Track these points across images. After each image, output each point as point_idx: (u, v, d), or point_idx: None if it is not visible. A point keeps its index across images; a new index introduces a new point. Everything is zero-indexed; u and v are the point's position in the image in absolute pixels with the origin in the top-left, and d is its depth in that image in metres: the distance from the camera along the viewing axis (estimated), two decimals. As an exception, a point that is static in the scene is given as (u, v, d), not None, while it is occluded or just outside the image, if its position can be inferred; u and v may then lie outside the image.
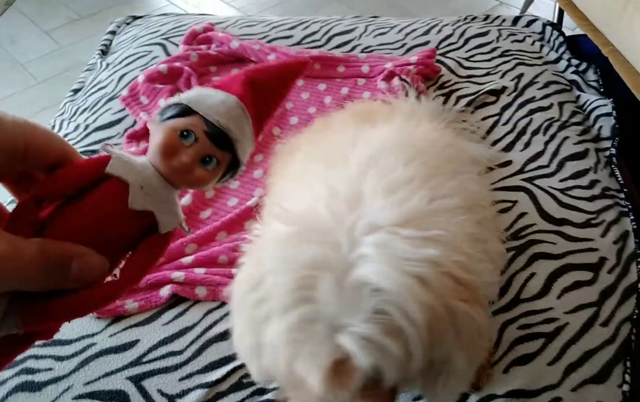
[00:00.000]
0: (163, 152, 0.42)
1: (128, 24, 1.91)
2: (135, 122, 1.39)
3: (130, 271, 0.42)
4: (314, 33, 1.68)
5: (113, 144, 1.33)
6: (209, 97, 0.45)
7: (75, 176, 0.40)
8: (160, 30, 1.74)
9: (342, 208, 0.57)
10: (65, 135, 1.40)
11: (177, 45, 1.64)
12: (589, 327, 0.94)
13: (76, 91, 1.61)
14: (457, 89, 1.44)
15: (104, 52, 1.78)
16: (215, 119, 0.43)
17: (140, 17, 1.94)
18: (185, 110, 0.43)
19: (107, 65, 1.65)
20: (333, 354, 0.51)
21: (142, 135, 1.33)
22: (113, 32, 1.87)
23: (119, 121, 1.41)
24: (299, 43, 1.65)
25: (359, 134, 0.75)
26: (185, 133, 0.42)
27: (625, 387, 0.87)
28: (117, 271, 0.42)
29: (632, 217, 1.12)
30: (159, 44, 1.67)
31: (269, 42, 1.63)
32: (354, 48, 1.62)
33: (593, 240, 1.07)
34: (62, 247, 0.37)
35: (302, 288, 0.52)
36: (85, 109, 1.47)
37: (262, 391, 0.91)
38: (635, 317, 0.96)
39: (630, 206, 1.14)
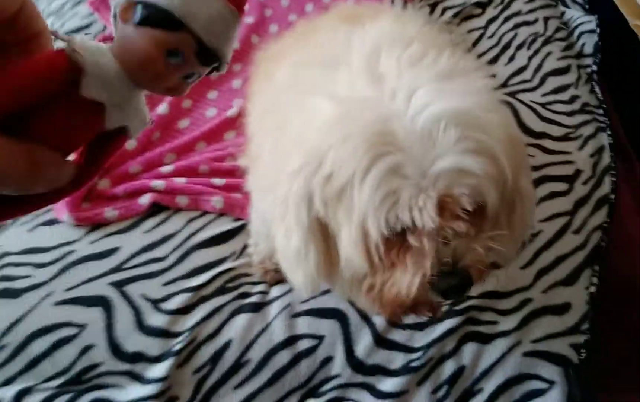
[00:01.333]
0: (144, 68, 0.37)
1: None
2: (104, 27, 1.33)
3: (92, 170, 0.40)
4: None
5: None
6: (204, 7, 0.38)
7: (36, 92, 0.35)
8: None
9: (377, 86, 0.58)
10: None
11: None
12: (562, 234, 0.97)
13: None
14: (443, 0, 1.41)
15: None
16: (212, 44, 0.38)
17: None
18: (172, 21, 0.36)
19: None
20: (435, 188, 0.53)
21: (112, 39, 1.28)
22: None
23: (87, 26, 1.35)
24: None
25: (351, 34, 0.73)
26: (173, 52, 0.36)
27: (592, 289, 0.91)
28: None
29: (608, 133, 1.13)
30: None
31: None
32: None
33: (570, 153, 1.09)
34: (48, 155, 0.35)
35: (377, 144, 0.53)
36: (50, 14, 1.40)
37: (245, 295, 0.93)
38: (605, 225, 0.99)
39: (607, 122, 1.15)
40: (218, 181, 1.06)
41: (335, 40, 0.72)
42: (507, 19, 1.36)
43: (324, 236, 0.61)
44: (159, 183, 1.03)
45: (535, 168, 1.05)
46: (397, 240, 0.57)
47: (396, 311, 0.61)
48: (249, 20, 1.34)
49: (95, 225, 1.00)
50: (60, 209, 0.98)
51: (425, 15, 1.29)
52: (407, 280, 0.57)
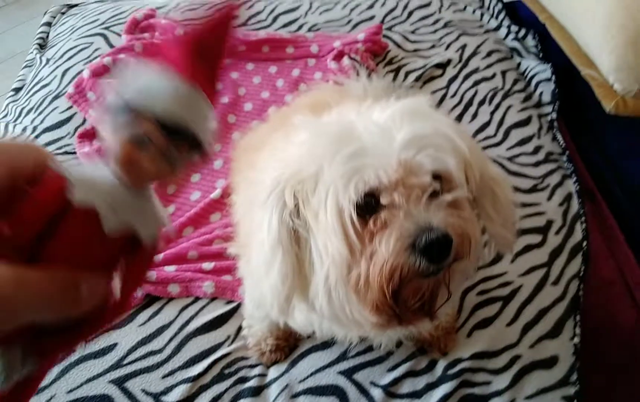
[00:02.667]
0: (122, 166, 0.39)
1: (63, 13, 1.84)
2: (85, 119, 1.36)
3: (126, 285, 0.41)
4: (259, 13, 1.67)
5: (63, 151, 1.30)
6: (156, 90, 0.40)
7: (39, 214, 0.37)
8: (98, 19, 1.69)
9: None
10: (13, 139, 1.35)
11: (118, 35, 1.60)
12: (542, 287, 1.02)
13: (17, 90, 1.56)
14: (405, 64, 1.48)
15: (42, 46, 1.71)
16: (172, 121, 0.40)
17: (76, 5, 1.87)
18: (133, 114, 0.39)
19: (48, 60, 1.59)
20: (396, 156, 0.61)
21: (94, 133, 1.31)
22: (49, 24, 1.80)
23: (67, 120, 1.37)
24: (244, 24, 1.64)
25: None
26: (141, 141, 0.38)
27: (576, 340, 0.96)
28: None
29: (574, 179, 1.19)
30: (100, 34, 1.62)
31: (214, 25, 1.61)
32: (300, 27, 1.63)
33: (540, 204, 1.15)
34: (68, 274, 0.36)
35: (342, 137, 0.63)
36: (30, 110, 1.43)
37: (243, 380, 0.95)
38: (581, 274, 1.04)
39: (572, 168, 1.22)
40: (207, 265, 1.09)
41: (305, 122, 0.79)
42: (466, 77, 1.43)
43: (292, 243, 0.66)
44: (149, 274, 1.05)
45: (510, 222, 1.10)
46: (373, 221, 0.61)
47: (384, 295, 0.61)
48: (224, 100, 1.39)
49: (89, 324, 1.00)
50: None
51: (389, 81, 1.35)
52: (388, 244, 0.59)
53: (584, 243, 1.08)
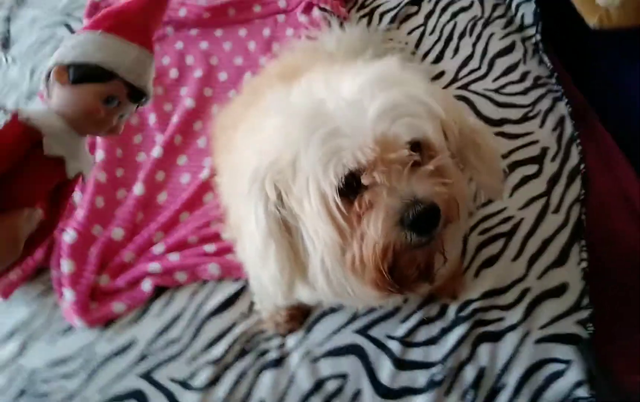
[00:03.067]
0: (87, 118, 0.44)
1: (19, 4, 1.76)
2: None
3: (59, 212, 0.50)
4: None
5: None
6: (125, 55, 0.45)
7: (6, 161, 0.42)
8: (56, 6, 1.63)
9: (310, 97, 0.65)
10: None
11: (80, 20, 1.53)
12: (543, 217, 1.03)
13: (-9, 94, 1.51)
14: (379, 6, 1.44)
15: (4, 45, 1.64)
16: (139, 84, 0.46)
17: (30, -7, 1.79)
18: (103, 73, 0.44)
19: (14, 59, 1.54)
20: (372, 132, 0.59)
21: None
22: (7, 19, 1.73)
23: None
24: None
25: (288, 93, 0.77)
26: (109, 99, 0.44)
27: (584, 264, 0.97)
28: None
29: (565, 101, 1.19)
30: (61, 23, 1.56)
31: (175, -8, 1.54)
32: (265, -17, 1.57)
33: (533, 133, 1.14)
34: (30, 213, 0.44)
35: (314, 119, 0.61)
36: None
37: (264, 353, 0.97)
38: (582, 197, 1.04)
39: (562, 90, 1.20)
40: (209, 248, 1.08)
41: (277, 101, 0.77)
42: (443, 10, 1.40)
43: (283, 233, 0.65)
44: (155, 266, 1.05)
45: (503, 156, 1.10)
46: (358, 202, 0.61)
47: (381, 273, 0.62)
48: (198, 74, 1.35)
49: (107, 322, 1.01)
50: (71, 316, 1.00)
51: (363, 28, 1.31)
52: (376, 225, 0.59)
53: (582, 166, 1.08)
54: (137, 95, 0.46)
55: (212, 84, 1.37)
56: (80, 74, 0.43)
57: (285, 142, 0.62)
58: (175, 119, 1.28)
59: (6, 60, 1.55)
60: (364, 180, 0.60)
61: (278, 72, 0.94)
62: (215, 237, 1.09)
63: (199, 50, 1.40)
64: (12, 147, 0.41)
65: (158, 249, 1.09)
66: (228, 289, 1.04)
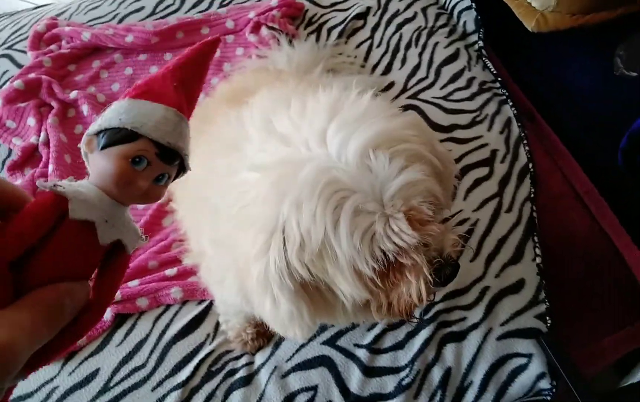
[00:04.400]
0: (117, 182, 0.42)
1: (-43, 35, 1.71)
2: (10, 151, 1.28)
3: (107, 290, 0.44)
4: (165, -2, 1.60)
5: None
6: (150, 115, 0.44)
7: (35, 229, 0.40)
8: (-2, 38, 1.58)
9: (287, 144, 0.64)
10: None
11: (24, 52, 1.49)
12: (497, 217, 1.06)
13: None
14: (326, 22, 1.46)
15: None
16: (166, 142, 0.44)
17: (-32, 24, 1.74)
18: (128, 134, 0.43)
19: (-46, 92, 1.48)
20: (399, 210, 0.59)
21: (23, 162, 1.24)
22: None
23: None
24: (152, 13, 1.55)
25: (240, 117, 0.77)
26: (137, 159, 0.42)
27: (538, 260, 1.01)
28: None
29: (510, 104, 1.23)
30: (4, 55, 1.51)
31: (120, 21, 1.53)
32: (211, 4, 1.57)
33: (482, 136, 1.18)
34: (53, 294, 0.38)
35: (332, 196, 0.59)
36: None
37: (232, 372, 0.96)
38: (532, 196, 1.09)
39: (506, 93, 1.25)
40: (170, 272, 1.07)
41: (230, 125, 0.78)
42: (389, 23, 1.43)
43: (313, 289, 0.65)
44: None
45: (455, 161, 1.14)
46: (392, 271, 0.64)
47: (408, 313, 0.68)
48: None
49: (69, 354, 0.98)
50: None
51: (312, 44, 1.33)
52: (414, 290, 0.64)
53: (530, 165, 1.13)
54: (167, 154, 0.44)
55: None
56: (106, 138, 0.42)
57: (303, 224, 0.60)
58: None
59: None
60: (403, 261, 0.63)
61: (227, 95, 0.94)
62: (176, 261, 1.08)
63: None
64: (38, 217, 0.40)
65: (117, 276, 1.06)
66: (192, 311, 1.03)
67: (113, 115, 0.43)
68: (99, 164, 0.42)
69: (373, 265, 0.61)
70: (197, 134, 0.86)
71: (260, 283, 0.64)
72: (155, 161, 0.43)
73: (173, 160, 0.45)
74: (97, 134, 0.43)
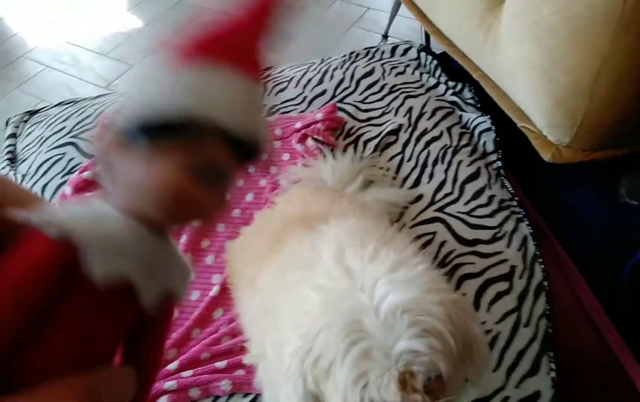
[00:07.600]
0: (165, 203, 0.28)
1: (25, 121, 1.90)
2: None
3: (152, 362, 0.33)
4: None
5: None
6: (220, 93, 0.28)
7: (19, 309, 0.25)
8: (65, 126, 1.76)
9: (349, 278, 0.77)
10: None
11: (89, 141, 1.67)
12: (517, 330, 1.18)
13: None
14: (362, 134, 1.63)
15: (12, 160, 1.76)
16: (249, 135, 0.29)
17: (37, 111, 1.93)
18: (186, 125, 0.27)
19: (23, 176, 1.65)
20: (396, 368, 0.68)
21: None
22: (14, 135, 1.85)
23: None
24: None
25: (316, 241, 0.92)
26: (201, 169, 0.28)
27: (552, 374, 1.12)
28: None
29: (527, 223, 1.37)
30: (70, 143, 1.69)
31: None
32: (259, 109, 1.74)
33: (502, 252, 1.31)
34: (84, 386, 0.26)
35: (351, 333, 0.70)
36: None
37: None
38: (547, 312, 1.21)
39: (523, 212, 1.39)
40: (220, 364, 1.19)
41: (304, 247, 0.93)
42: (418, 140, 1.59)
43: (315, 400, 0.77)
44: (170, 384, 1.14)
45: (478, 274, 1.27)
46: None
47: None
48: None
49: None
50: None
51: (351, 155, 1.49)
52: None
53: (545, 283, 1.25)
54: (244, 152, 0.30)
55: (224, 220, 1.46)
56: (147, 134, 0.27)
57: (325, 342, 0.72)
58: (183, 238, 1.41)
59: (15, 177, 1.66)
60: None
61: (293, 216, 1.08)
62: (226, 354, 1.20)
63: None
64: (30, 278, 0.25)
65: (172, 365, 1.18)
66: (239, 402, 1.14)
67: (159, 94, 0.27)
68: (131, 175, 0.28)
69: None
70: (270, 253, 1.02)
71: (285, 375, 0.77)
72: (228, 166, 0.29)
73: (250, 156, 0.31)
74: (131, 127, 0.28)
